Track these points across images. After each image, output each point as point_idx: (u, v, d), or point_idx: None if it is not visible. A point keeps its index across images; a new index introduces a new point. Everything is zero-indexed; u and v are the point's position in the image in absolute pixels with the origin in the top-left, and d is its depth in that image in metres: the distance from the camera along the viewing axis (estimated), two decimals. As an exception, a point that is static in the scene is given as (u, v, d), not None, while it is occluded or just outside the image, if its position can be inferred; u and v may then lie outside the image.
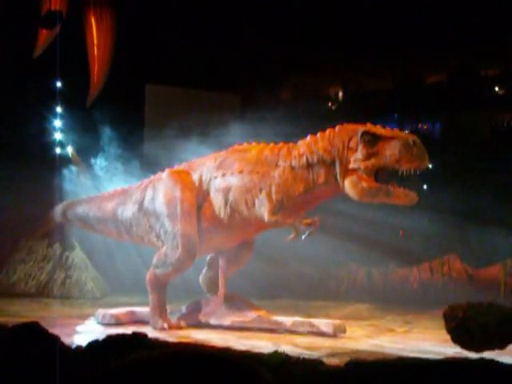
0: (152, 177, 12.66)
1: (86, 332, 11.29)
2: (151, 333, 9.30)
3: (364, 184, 10.39)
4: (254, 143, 11.79)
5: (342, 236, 16.16)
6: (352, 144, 10.55)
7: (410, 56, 24.28)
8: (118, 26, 19.11)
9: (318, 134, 11.07)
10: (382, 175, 10.50)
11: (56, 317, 13.12)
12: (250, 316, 11.73)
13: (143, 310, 12.37)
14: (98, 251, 17.23)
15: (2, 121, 17.41)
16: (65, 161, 17.60)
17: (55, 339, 6.44)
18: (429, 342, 10.59)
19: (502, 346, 8.33)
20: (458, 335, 8.48)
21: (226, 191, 11.42)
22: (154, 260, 11.88)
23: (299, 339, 10.80)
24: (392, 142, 10.26)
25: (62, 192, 16.62)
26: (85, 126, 17.60)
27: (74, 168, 17.47)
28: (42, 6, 17.56)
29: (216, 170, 11.68)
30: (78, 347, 6.86)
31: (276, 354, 6.60)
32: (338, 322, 11.56)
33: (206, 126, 17.35)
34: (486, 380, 5.96)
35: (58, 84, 17.87)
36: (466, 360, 6.41)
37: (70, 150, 17.85)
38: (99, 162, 17.44)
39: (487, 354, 7.66)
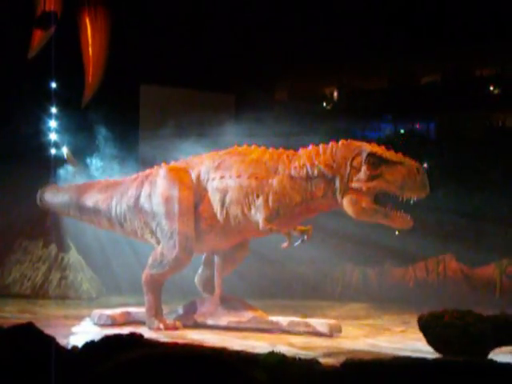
0: (148, 171, 12.53)
1: (81, 333, 11.27)
2: (147, 333, 9.30)
3: (363, 204, 10.42)
4: (253, 146, 11.74)
5: (338, 236, 16.19)
6: (355, 163, 10.53)
7: (405, 56, 24.32)
8: (112, 26, 19.09)
9: (320, 146, 11.00)
10: (380, 196, 10.55)
11: (52, 317, 13.11)
12: (246, 316, 11.72)
13: (139, 311, 12.35)
14: (94, 252, 17.22)
15: (-4, 121, 17.43)
16: (60, 161, 17.56)
17: (51, 340, 6.43)
18: (425, 341, 10.59)
19: (483, 353, 8.34)
20: (441, 345, 8.51)
21: (223, 194, 11.39)
22: (150, 260, 11.84)
23: (295, 339, 10.80)
24: (396, 168, 10.28)
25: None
26: (80, 127, 17.59)
27: (69, 168, 17.44)
28: (37, 6, 17.55)
29: (214, 171, 11.63)
30: (74, 348, 6.85)
31: (272, 354, 6.60)
32: (333, 321, 11.57)
33: (201, 125, 17.35)
34: (482, 379, 5.98)
35: (53, 85, 17.85)
36: (461, 359, 6.42)
37: (65, 150, 17.82)
38: (94, 162, 17.42)
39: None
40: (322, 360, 6.99)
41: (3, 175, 16.32)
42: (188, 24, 20.09)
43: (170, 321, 11.82)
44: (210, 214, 11.56)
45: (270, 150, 11.53)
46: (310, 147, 11.12)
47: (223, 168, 11.55)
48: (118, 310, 12.55)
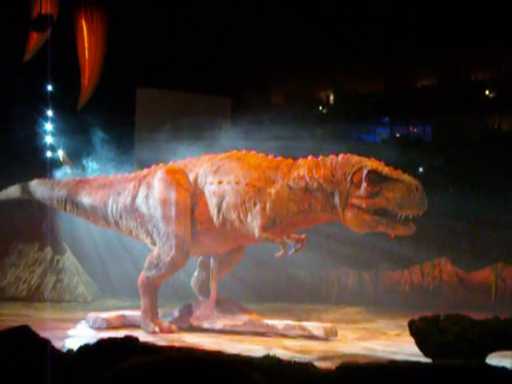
0: (146, 171, 12.49)
1: (77, 336, 11.26)
2: (143, 337, 9.29)
3: (365, 217, 10.52)
4: (252, 152, 11.74)
5: (333, 240, 16.18)
6: (356, 179, 10.59)
7: (402, 60, 24.37)
8: (108, 29, 19.09)
9: (320, 158, 11.04)
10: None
11: (47, 321, 13.08)
12: (241, 319, 11.72)
13: (135, 314, 12.34)
14: (89, 255, 17.20)
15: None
16: (56, 164, 17.55)
17: (46, 343, 6.41)
18: (420, 345, 10.60)
19: (480, 359, 8.33)
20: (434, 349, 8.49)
21: (221, 199, 11.38)
22: (146, 263, 11.83)
23: (291, 342, 10.81)
24: (396, 185, 10.37)
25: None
26: (76, 129, 17.57)
27: (65, 171, 17.41)
28: (33, 9, 17.54)
29: (213, 175, 11.61)
30: (69, 351, 6.84)
31: (267, 357, 6.60)
32: (329, 325, 11.57)
33: (197, 129, 17.35)
34: (476, 382, 5.98)
35: (49, 87, 17.84)
36: (457, 363, 6.42)
37: (60, 153, 17.80)
38: (90, 165, 17.40)
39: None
40: (318, 363, 7.00)
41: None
42: (184, 27, 20.11)
43: (165, 324, 11.81)
44: (206, 218, 11.56)
45: (270, 157, 11.54)
46: (310, 158, 11.13)
47: (222, 173, 11.54)
48: (113, 313, 12.54)
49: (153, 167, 12.41)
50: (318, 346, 10.52)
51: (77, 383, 5.92)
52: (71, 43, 18.71)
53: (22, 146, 17.52)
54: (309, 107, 25.94)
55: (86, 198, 12.87)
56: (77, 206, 13.06)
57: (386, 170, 10.52)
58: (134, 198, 12.20)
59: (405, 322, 12.90)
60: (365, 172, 10.52)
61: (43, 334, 6.55)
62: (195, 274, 12.59)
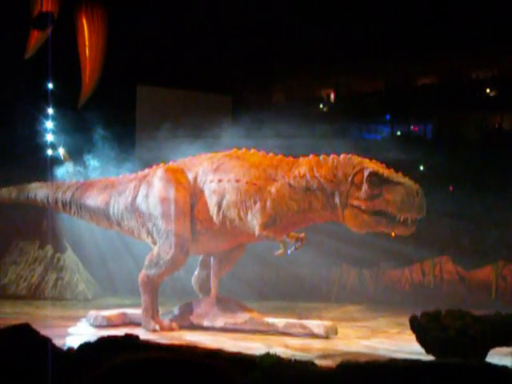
0: (146, 171, 12.53)
1: (77, 334, 11.28)
2: (143, 335, 9.31)
3: (365, 217, 10.56)
4: (252, 150, 11.75)
5: (334, 238, 16.17)
6: (356, 180, 10.62)
7: (402, 58, 24.33)
8: (109, 27, 19.08)
9: (321, 158, 11.04)
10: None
11: (48, 318, 13.10)
12: (242, 317, 11.73)
13: (135, 312, 12.35)
14: (90, 253, 17.20)
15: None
16: (57, 162, 17.54)
17: (47, 341, 6.42)
18: (420, 343, 10.60)
19: (481, 355, 8.32)
20: (436, 346, 8.48)
21: (221, 197, 11.39)
22: (146, 261, 11.85)
23: (291, 341, 10.81)
24: (396, 188, 10.38)
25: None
26: (76, 127, 17.56)
27: (65, 169, 17.41)
28: (34, 7, 17.52)
29: (213, 173, 11.62)
30: (70, 349, 6.85)
31: (268, 355, 6.60)
32: (329, 323, 11.58)
33: (198, 127, 17.33)
34: (477, 380, 5.98)
35: (50, 85, 17.81)
36: (457, 361, 6.43)
37: (61, 151, 17.80)
38: (91, 163, 17.39)
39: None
40: (318, 362, 6.99)
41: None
42: (185, 25, 20.09)
43: (166, 322, 11.82)
44: (206, 216, 11.56)
45: (270, 155, 11.55)
46: (311, 157, 11.14)
47: (222, 171, 11.55)
48: (114, 311, 12.56)
49: (153, 167, 12.42)
50: (318, 345, 10.53)
51: (77, 381, 5.92)
52: (72, 41, 18.68)
53: (22, 144, 17.51)
54: (310, 105, 25.89)
55: (89, 200, 12.88)
56: (81, 208, 13.06)
57: (386, 172, 10.54)
58: (134, 197, 12.22)
59: (405, 321, 12.91)
60: (366, 174, 10.53)
61: (44, 332, 6.56)
62: (196, 272, 12.60)
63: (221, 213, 11.37)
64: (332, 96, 28.28)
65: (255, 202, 11.05)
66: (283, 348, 9.92)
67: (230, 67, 21.35)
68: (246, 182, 11.19)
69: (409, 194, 10.30)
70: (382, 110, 25.47)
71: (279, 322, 11.64)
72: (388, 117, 25.87)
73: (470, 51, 23.56)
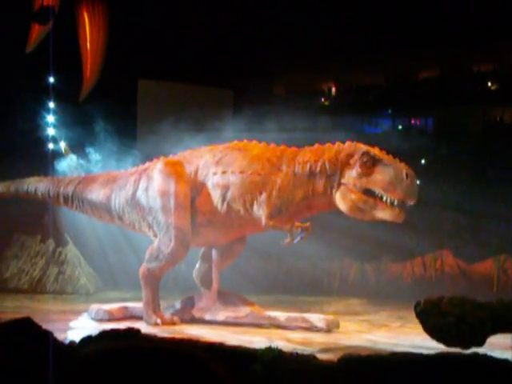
0: (147, 164, 12.53)
1: (79, 328, 11.26)
2: (145, 328, 9.30)
3: (352, 196, 10.51)
4: (254, 141, 11.75)
5: (335, 231, 16.18)
6: (352, 161, 10.64)
7: (404, 52, 24.31)
8: (110, 20, 19.05)
9: (326, 145, 11.08)
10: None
11: (49, 312, 13.10)
12: (243, 311, 11.73)
13: (136, 306, 12.35)
14: (91, 247, 17.21)
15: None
16: (58, 156, 17.55)
17: (48, 335, 6.42)
18: (422, 336, 10.54)
19: (480, 341, 8.33)
20: (440, 332, 8.47)
21: (225, 189, 11.38)
22: (147, 255, 11.85)
23: (292, 334, 10.82)
24: (386, 169, 10.36)
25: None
26: (78, 121, 17.56)
27: (67, 163, 17.42)
28: (35, 1, 17.49)
29: (215, 165, 11.61)
30: (72, 343, 6.85)
31: (269, 349, 6.60)
32: (331, 317, 11.58)
33: (199, 120, 17.33)
34: (478, 374, 5.99)
35: (51, 79, 17.80)
36: (458, 355, 6.43)
37: (62, 145, 17.80)
38: (92, 157, 17.40)
39: (478, 349, 7.68)
40: (320, 355, 7.00)
41: (1, 169, 16.28)
42: (186, 19, 20.06)
43: (167, 316, 11.82)
44: (209, 209, 11.56)
45: (272, 146, 11.56)
46: (316, 145, 11.18)
47: (224, 163, 11.54)
48: (115, 305, 12.56)
49: (153, 161, 12.42)
50: (320, 338, 10.53)
51: (79, 374, 5.93)
52: (73, 35, 18.67)
53: (23, 138, 17.51)
54: (311, 99, 25.90)
55: (91, 194, 12.88)
56: (82, 203, 13.04)
57: (380, 154, 10.55)
58: (134, 191, 12.23)
59: (407, 314, 12.95)
60: (360, 153, 10.55)
61: (45, 326, 6.56)
62: (197, 265, 12.59)
63: (225, 205, 11.36)
64: (333, 89, 28.29)
65: (261, 193, 11.06)
66: (285, 342, 9.92)
67: (231, 61, 21.32)
68: (251, 173, 11.19)
69: (397, 175, 10.23)
70: (383, 103, 25.47)
71: (281, 315, 11.64)
72: (389, 110, 25.87)
73: (471, 45, 23.55)
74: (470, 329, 8.23)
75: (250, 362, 6.29)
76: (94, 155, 17.36)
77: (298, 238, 11.01)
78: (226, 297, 12.03)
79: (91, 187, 12.92)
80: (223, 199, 11.39)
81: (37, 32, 17.97)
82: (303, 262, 17.13)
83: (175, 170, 11.80)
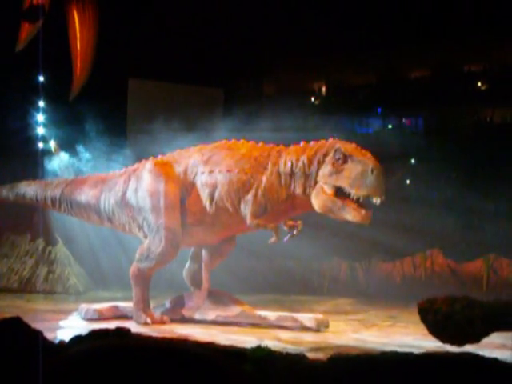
0: (136, 165, 12.53)
1: (69, 327, 11.26)
2: (134, 328, 9.30)
3: (323, 195, 10.41)
4: (242, 140, 11.74)
5: (325, 231, 16.19)
6: (328, 159, 10.51)
7: (394, 51, 24.34)
8: (100, 19, 19.01)
9: (311, 144, 11.01)
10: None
11: (39, 312, 13.08)
12: (233, 311, 11.74)
13: (126, 305, 12.35)
14: (81, 246, 17.17)
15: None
16: (48, 155, 17.50)
17: (38, 334, 6.41)
18: (412, 336, 10.62)
19: (477, 339, 8.36)
20: (440, 328, 8.50)
21: (213, 188, 11.39)
22: (137, 255, 11.85)
23: (283, 334, 10.82)
24: (355, 165, 10.16)
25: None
26: (68, 120, 17.52)
27: (57, 162, 17.37)
28: (25, -1, 17.46)
29: (204, 165, 11.61)
30: (61, 342, 6.85)
31: (259, 348, 6.61)
32: (321, 316, 11.60)
33: (189, 120, 17.31)
34: (467, 373, 6.00)
35: (41, 78, 17.76)
36: (448, 354, 6.45)
37: (52, 144, 17.76)
38: (82, 156, 17.37)
39: (468, 348, 7.70)
40: (309, 355, 7.01)
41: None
42: (176, 18, 20.05)
43: (157, 315, 11.82)
44: (199, 208, 11.56)
45: (260, 144, 11.55)
46: (301, 143, 11.13)
47: (212, 162, 11.54)
48: (105, 305, 12.55)
49: (142, 162, 12.41)
50: (309, 337, 10.55)
51: (68, 374, 5.92)
52: (63, 34, 18.61)
53: (13, 137, 17.46)
54: (301, 98, 25.88)
55: (80, 196, 12.88)
56: (71, 205, 13.05)
57: (351, 150, 10.37)
58: (124, 192, 12.23)
59: (396, 314, 13.01)
60: (332, 151, 10.47)
61: (35, 326, 6.55)
62: (187, 265, 12.59)
63: (214, 204, 11.37)
64: (323, 89, 28.27)
65: (247, 192, 11.06)
66: (275, 341, 9.94)
67: (222, 60, 21.31)
68: (238, 172, 11.18)
69: (363, 171, 9.99)
70: (373, 103, 25.46)
71: (271, 315, 11.65)
72: (379, 110, 25.88)
73: (462, 44, 23.59)
74: (457, 328, 8.27)
75: (240, 362, 6.29)
76: (84, 154, 17.33)
77: (288, 237, 11.01)
78: (216, 296, 12.04)
79: (80, 189, 12.91)
80: (211, 198, 11.39)
81: (27, 31, 17.90)
82: (293, 262, 17.12)
83: (164, 171, 11.80)
